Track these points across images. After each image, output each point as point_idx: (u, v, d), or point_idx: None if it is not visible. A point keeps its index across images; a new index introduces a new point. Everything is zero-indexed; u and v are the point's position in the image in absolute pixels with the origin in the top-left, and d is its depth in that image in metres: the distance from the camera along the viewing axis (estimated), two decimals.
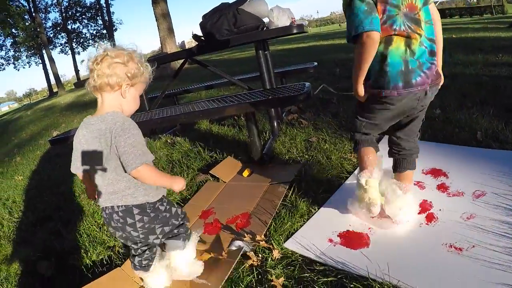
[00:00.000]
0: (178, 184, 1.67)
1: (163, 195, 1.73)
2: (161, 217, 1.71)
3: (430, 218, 2.01)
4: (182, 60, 4.23)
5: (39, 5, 35.93)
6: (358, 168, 2.10)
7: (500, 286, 1.46)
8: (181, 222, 1.83)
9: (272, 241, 2.02)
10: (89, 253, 2.42)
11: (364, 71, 1.77)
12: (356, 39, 1.71)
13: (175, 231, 1.80)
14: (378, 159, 2.03)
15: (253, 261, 1.89)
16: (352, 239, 1.96)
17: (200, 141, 4.08)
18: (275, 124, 3.81)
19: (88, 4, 42.02)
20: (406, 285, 1.55)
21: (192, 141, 4.13)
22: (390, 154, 2.10)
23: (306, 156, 3.04)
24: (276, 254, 1.91)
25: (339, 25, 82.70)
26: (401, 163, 2.05)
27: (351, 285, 1.60)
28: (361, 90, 1.85)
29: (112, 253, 2.37)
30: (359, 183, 2.00)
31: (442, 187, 2.28)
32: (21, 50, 36.67)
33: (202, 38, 3.50)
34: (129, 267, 2.08)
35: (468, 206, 2.03)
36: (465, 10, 49.76)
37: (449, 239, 1.80)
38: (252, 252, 1.95)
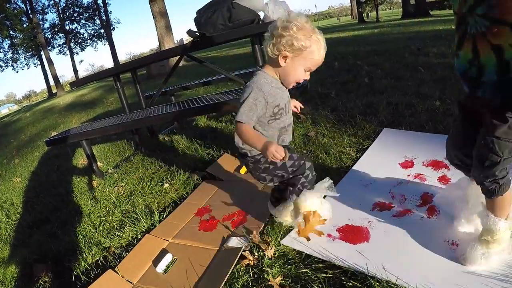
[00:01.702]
0: (267, 153, 1.60)
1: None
2: (263, 168, 1.88)
3: (431, 211, 1.96)
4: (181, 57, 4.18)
5: (36, 6, 35.94)
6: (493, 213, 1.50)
7: (504, 283, 1.42)
8: (291, 176, 1.90)
9: (268, 238, 1.97)
10: (84, 255, 2.38)
11: None
12: None
13: (286, 181, 1.93)
14: None
15: (249, 260, 1.84)
16: (351, 234, 1.92)
17: (197, 138, 4.03)
18: None
19: (86, 4, 42.08)
20: (404, 282, 1.51)
21: (189, 139, 4.09)
22: None
23: (304, 151, 2.99)
24: (272, 251, 1.86)
25: (338, 19, 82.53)
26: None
27: (350, 283, 1.56)
28: None
29: (107, 253, 2.33)
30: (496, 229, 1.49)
31: (443, 179, 2.23)
32: (19, 51, 36.68)
33: (197, 33, 3.44)
34: (124, 268, 2.06)
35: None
36: None
37: (451, 236, 1.74)
38: (248, 251, 1.90)
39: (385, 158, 2.62)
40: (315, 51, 1.62)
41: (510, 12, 1.11)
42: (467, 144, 1.48)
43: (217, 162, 3.11)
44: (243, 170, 2.93)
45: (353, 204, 2.15)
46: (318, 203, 1.91)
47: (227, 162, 3.13)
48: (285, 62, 1.66)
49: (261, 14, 3.57)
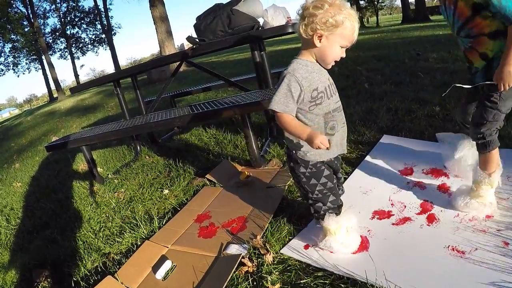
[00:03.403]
0: (312, 144, 1.55)
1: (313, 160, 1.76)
2: (297, 174, 1.81)
3: (431, 219, 1.97)
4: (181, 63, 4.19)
5: (37, 10, 36.02)
6: (481, 168, 1.98)
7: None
8: (313, 200, 1.83)
9: (268, 246, 1.97)
10: (84, 261, 2.38)
11: None
12: None
13: (310, 201, 1.85)
14: None
15: (248, 267, 1.84)
16: None
17: (198, 144, 4.04)
18: (273, 125, 3.77)
19: (87, 9, 42.22)
20: None
21: (189, 145, 4.10)
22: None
23: None
24: (271, 258, 1.86)
25: None
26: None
27: None
28: None
29: (107, 260, 2.33)
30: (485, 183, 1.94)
31: (443, 188, 2.24)
32: (20, 56, 36.79)
33: (197, 40, 3.46)
34: (123, 274, 2.06)
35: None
36: None
37: (450, 242, 1.76)
38: (247, 258, 1.90)
39: (385, 165, 2.63)
40: (349, 26, 1.55)
41: (482, 27, 1.71)
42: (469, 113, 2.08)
43: (217, 168, 3.12)
44: (243, 176, 2.93)
45: (352, 212, 2.14)
46: (343, 232, 1.83)
47: (227, 168, 3.13)
48: (320, 41, 1.58)
49: (261, 21, 3.59)
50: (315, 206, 1.83)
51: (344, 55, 1.64)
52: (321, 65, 1.68)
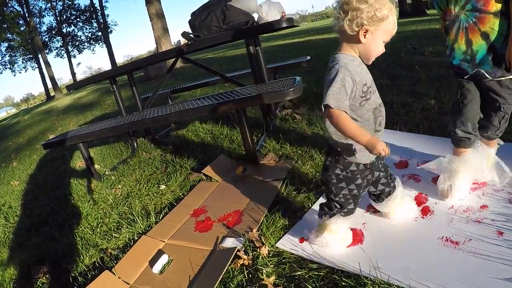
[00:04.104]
0: (374, 151, 1.52)
1: (354, 162, 1.70)
2: (329, 174, 1.76)
3: (425, 211, 1.98)
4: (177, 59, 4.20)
5: (33, 9, 35.88)
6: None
7: (498, 280, 1.44)
8: (337, 200, 1.79)
9: (263, 239, 1.99)
10: (81, 256, 2.40)
11: None
12: None
13: (329, 199, 1.82)
14: None
15: (244, 260, 1.86)
16: None
17: (194, 139, 4.05)
18: (269, 120, 3.78)
19: (83, 7, 42.08)
20: (398, 281, 1.52)
21: (185, 140, 4.11)
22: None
23: (300, 151, 3.01)
24: (267, 250, 1.88)
25: None
26: None
27: (343, 283, 1.58)
28: None
29: (104, 255, 2.35)
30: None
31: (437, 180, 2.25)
32: (17, 54, 36.66)
33: (192, 36, 3.46)
34: (120, 269, 2.08)
35: (465, 199, 2.01)
36: None
37: (445, 233, 1.77)
38: (243, 252, 1.92)
39: None
40: (391, 20, 1.49)
41: (489, 3, 1.70)
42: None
43: (214, 163, 3.13)
44: (239, 170, 2.95)
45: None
46: (343, 231, 1.84)
47: (223, 163, 3.15)
48: (365, 37, 1.50)
49: (256, 16, 3.60)
50: (331, 205, 1.81)
51: (384, 50, 1.58)
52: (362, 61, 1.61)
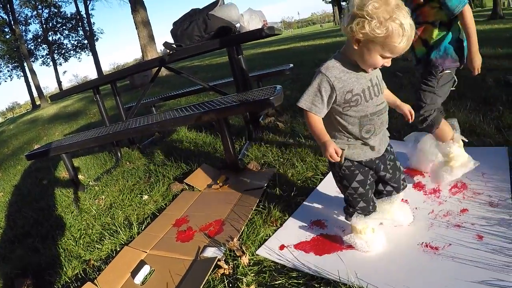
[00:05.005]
0: (325, 153, 1.55)
1: (351, 159, 1.72)
2: (333, 171, 1.81)
3: None
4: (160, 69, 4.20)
5: (18, 17, 35.61)
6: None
7: (476, 284, 1.46)
8: (346, 199, 1.83)
9: (244, 248, 2.01)
10: (64, 268, 2.39)
11: None
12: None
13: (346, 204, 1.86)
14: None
15: (224, 269, 1.87)
16: (326, 243, 1.95)
17: (177, 149, 4.06)
18: (251, 128, 3.80)
19: (69, 15, 41.86)
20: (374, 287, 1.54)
21: (169, 150, 4.11)
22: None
23: (281, 160, 3.04)
24: (247, 259, 1.90)
25: (321, 25, 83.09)
26: None
27: None
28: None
29: (87, 266, 2.34)
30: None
31: (418, 186, 2.29)
32: (1, 63, 36.31)
33: (173, 45, 3.48)
34: (103, 280, 2.08)
35: (445, 204, 2.04)
36: None
37: (424, 238, 1.80)
38: (223, 261, 1.94)
39: None
40: (395, 36, 1.35)
41: (428, 15, 2.05)
42: None
43: (196, 172, 3.14)
44: (221, 180, 2.96)
45: (328, 212, 2.20)
46: (369, 232, 1.81)
47: (206, 172, 3.16)
48: (357, 46, 1.45)
49: (237, 25, 3.63)
50: (347, 203, 1.84)
51: (388, 65, 1.49)
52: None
